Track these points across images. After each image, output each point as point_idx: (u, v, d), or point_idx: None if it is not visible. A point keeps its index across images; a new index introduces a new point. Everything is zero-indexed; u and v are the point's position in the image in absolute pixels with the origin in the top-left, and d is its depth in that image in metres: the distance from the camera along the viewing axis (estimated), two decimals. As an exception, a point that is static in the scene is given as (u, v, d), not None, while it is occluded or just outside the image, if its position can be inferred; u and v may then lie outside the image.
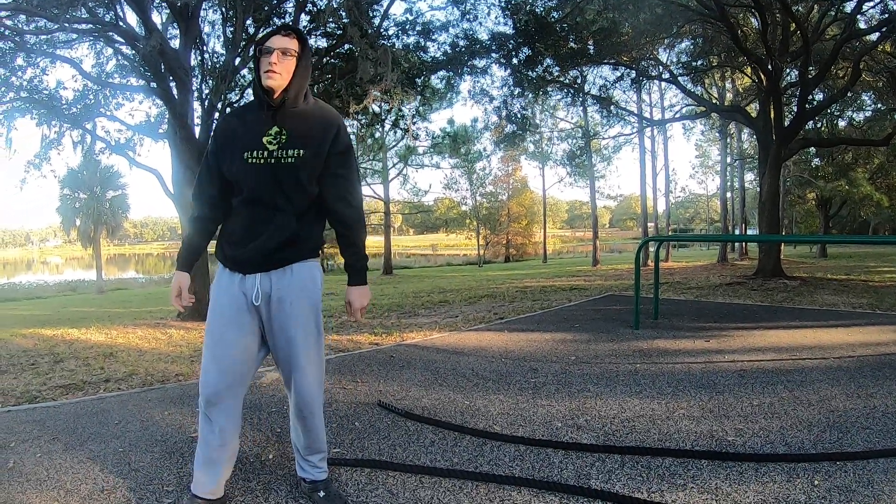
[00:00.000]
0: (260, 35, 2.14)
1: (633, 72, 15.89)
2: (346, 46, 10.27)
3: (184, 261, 2.43)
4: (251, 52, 11.01)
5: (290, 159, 2.17)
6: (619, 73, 16.52)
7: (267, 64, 2.13)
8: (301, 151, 2.18)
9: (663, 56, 17.38)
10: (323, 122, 2.26)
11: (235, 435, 2.39)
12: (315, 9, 10.26)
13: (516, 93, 15.11)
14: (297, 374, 2.33)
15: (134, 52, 8.71)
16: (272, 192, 2.19)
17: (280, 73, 2.14)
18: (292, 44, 2.18)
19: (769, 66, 12.51)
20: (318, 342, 2.39)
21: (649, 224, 30.55)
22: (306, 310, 2.32)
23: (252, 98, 2.32)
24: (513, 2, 12.60)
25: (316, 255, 2.39)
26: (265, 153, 2.17)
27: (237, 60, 9.47)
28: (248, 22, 9.85)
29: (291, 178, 2.19)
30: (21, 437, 3.28)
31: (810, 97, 14.16)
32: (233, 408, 2.34)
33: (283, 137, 2.18)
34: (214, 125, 2.16)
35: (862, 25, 13.05)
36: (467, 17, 12.44)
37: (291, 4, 10.15)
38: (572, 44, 14.20)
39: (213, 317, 2.31)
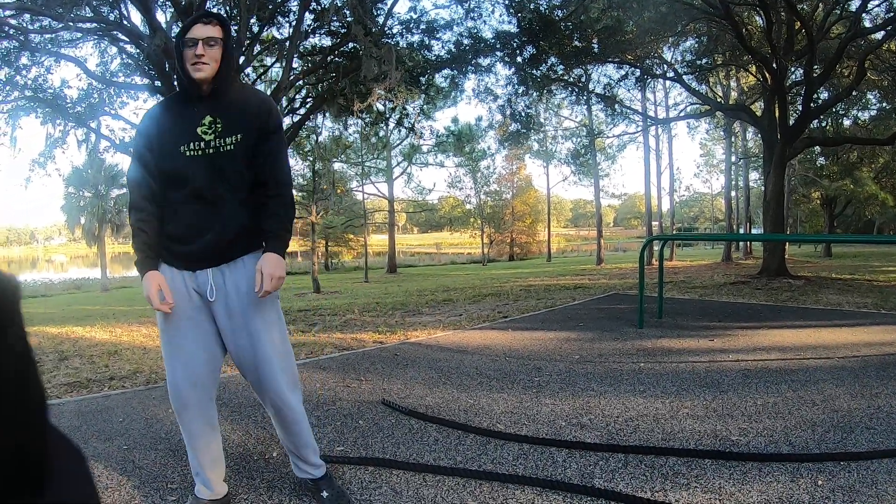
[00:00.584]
0: (184, 23, 1.93)
1: (638, 70, 15.87)
2: (351, 45, 10.28)
3: (150, 261, 2.21)
4: (255, 51, 11.06)
5: (229, 147, 2.14)
6: (623, 72, 16.52)
7: (193, 56, 2.08)
8: (239, 136, 2.15)
9: (668, 55, 17.34)
10: (255, 105, 2.23)
11: (215, 435, 2.35)
12: (319, 7, 10.28)
13: (520, 91, 15.10)
14: (264, 367, 2.25)
15: (138, 50, 8.74)
16: (215, 182, 2.15)
17: (208, 63, 2.09)
18: (215, 31, 2.12)
19: (774, 65, 12.48)
20: (281, 332, 2.34)
21: (653, 223, 30.49)
22: (266, 301, 2.25)
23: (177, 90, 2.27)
24: (517, 0, 12.59)
25: (262, 246, 2.27)
26: (202, 144, 2.12)
27: (241, 59, 9.49)
28: (253, 21, 9.87)
29: (232, 166, 2.16)
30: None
31: (815, 96, 14.10)
32: (206, 409, 2.30)
33: (219, 126, 2.14)
34: (140, 123, 2.21)
35: (867, 24, 13.00)
36: (471, 15, 12.43)
37: (295, 3, 10.16)
38: (576, 42, 14.17)
39: (167, 320, 2.23)
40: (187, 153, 2.12)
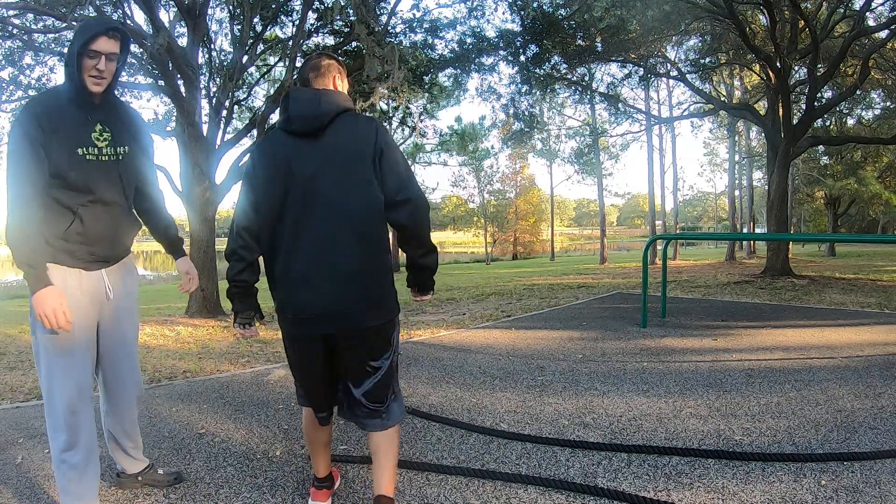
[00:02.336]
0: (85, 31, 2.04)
1: (641, 69, 15.83)
2: (354, 44, 10.27)
3: (44, 271, 2.06)
4: (258, 50, 11.07)
5: (119, 156, 2.23)
6: (626, 71, 16.49)
7: (94, 69, 2.09)
8: (126, 148, 2.26)
9: (671, 53, 17.31)
10: (133, 118, 2.37)
11: (95, 444, 2.27)
12: (322, 6, 10.28)
13: (524, 90, 15.07)
14: (129, 361, 2.43)
15: (142, 50, 8.73)
16: (112, 188, 2.22)
17: (106, 78, 2.14)
18: (116, 47, 2.13)
19: (778, 64, 12.43)
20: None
21: (657, 222, 30.46)
22: (136, 302, 2.49)
23: (63, 84, 2.17)
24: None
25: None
26: (96, 150, 2.16)
27: (245, 58, 9.50)
28: (256, 20, 9.88)
29: (125, 174, 2.27)
30: (29, 434, 3.30)
31: (819, 95, 14.06)
32: (91, 418, 2.24)
33: (108, 135, 2.20)
34: (26, 107, 2.05)
35: (871, 23, 12.97)
36: (474, 14, 12.41)
37: (299, 2, 10.15)
38: (580, 41, 14.15)
39: (58, 335, 2.12)
40: (87, 156, 2.14)
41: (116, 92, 2.37)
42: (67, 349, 2.15)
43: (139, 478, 2.55)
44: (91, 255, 2.20)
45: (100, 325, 2.30)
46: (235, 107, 11.01)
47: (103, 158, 2.17)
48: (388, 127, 20.45)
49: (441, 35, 12.09)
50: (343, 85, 2.24)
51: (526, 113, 15.90)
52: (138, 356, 2.49)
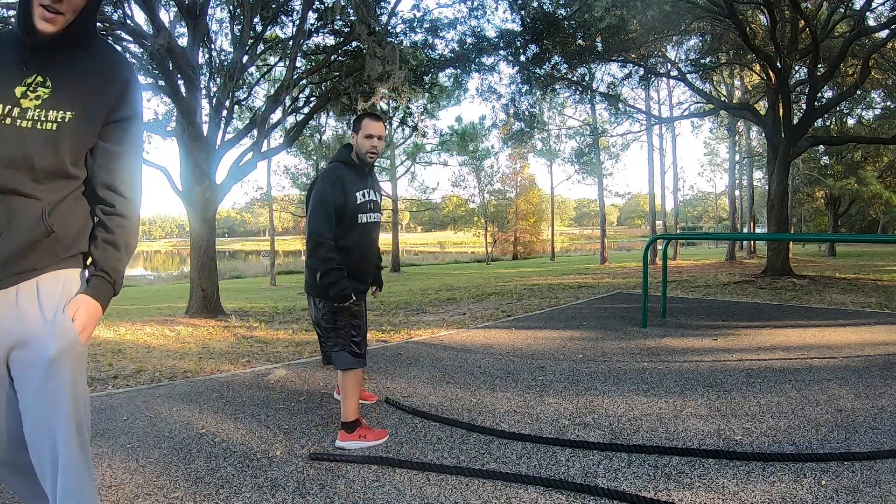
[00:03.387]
0: None
1: (642, 69, 15.82)
2: (354, 44, 10.27)
3: None
4: (258, 50, 11.08)
5: (50, 124, 1.48)
6: (627, 71, 16.47)
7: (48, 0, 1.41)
8: (68, 114, 1.50)
9: (672, 53, 17.30)
10: (105, 73, 1.58)
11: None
12: (323, 6, 10.27)
13: (524, 90, 15.09)
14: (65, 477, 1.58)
15: (142, 49, 8.74)
16: (16, 169, 1.46)
17: (64, 13, 1.43)
18: None
19: (778, 64, 12.43)
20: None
21: (657, 222, 30.44)
22: (69, 363, 1.63)
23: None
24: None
25: (80, 264, 1.67)
26: (16, 110, 1.44)
27: (245, 58, 9.50)
28: (256, 20, 9.87)
29: (48, 152, 1.49)
30: None
31: (819, 95, 14.07)
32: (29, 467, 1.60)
33: (45, 91, 1.48)
34: None
35: (871, 22, 12.97)
36: (475, 13, 12.41)
37: (299, 2, 10.15)
38: (580, 41, 14.15)
39: None
40: None
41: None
42: None
43: None
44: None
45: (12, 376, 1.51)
46: (236, 107, 11.00)
47: (23, 123, 1.44)
48: (388, 127, 20.50)
49: (441, 35, 12.10)
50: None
51: (526, 113, 15.92)
52: (87, 470, 1.61)
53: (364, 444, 3.04)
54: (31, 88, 1.44)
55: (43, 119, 1.46)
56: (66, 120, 1.49)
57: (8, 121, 1.41)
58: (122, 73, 1.60)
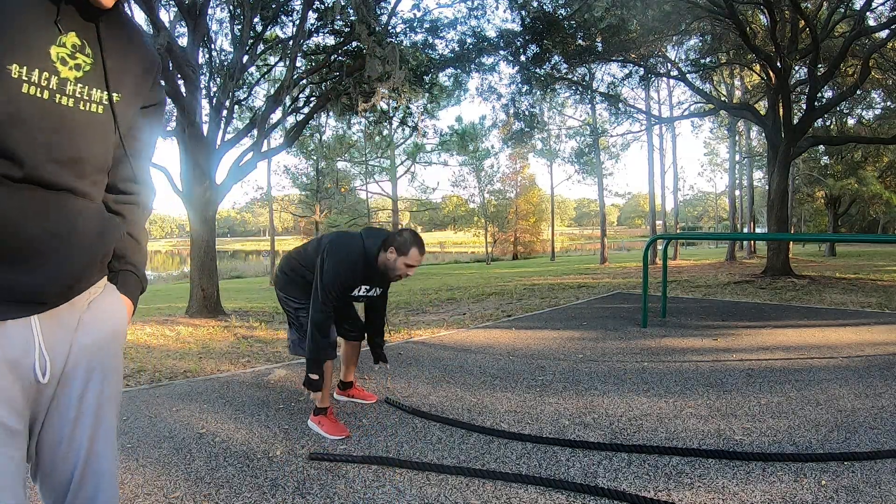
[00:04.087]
0: None
1: (642, 69, 15.83)
2: (354, 44, 10.27)
3: None
4: (258, 50, 11.07)
5: (94, 105, 1.13)
6: (627, 71, 16.48)
7: None
8: (115, 95, 1.16)
9: (672, 53, 17.31)
10: (141, 51, 1.26)
11: None
12: (323, 6, 10.27)
13: (524, 90, 15.08)
14: (95, 484, 1.30)
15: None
16: (61, 158, 1.08)
17: None
18: None
19: (778, 64, 12.44)
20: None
21: (657, 222, 30.44)
22: (113, 378, 1.38)
23: None
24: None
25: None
26: (53, 80, 1.05)
27: (245, 58, 9.50)
28: (256, 20, 9.87)
29: (95, 140, 1.15)
30: (31, 433, 3.29)
31: (819, 95, 14.07)
32: None
33: (87, 60, 1.11)
34: None
35: (871, 22, 12.97)
36: (474, 13, 12.41)
37: (299, 2, 10.15)
38: (580, 41, 14.15)
39: None
40: (25, 85, 1.01)
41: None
42: None
43: None
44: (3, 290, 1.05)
45: (33, 425, 1.15)
46: (236, 107, 11.00)
47: (63, 100, 1.07)
48: (388, 127, 20.47)
49: (441, 35, 12.09)
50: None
51: (526, 113, 15.91)
52: (117, 477, 1.32)
53: (319, 430, 3.24)
54: (68, 52, 1.07)
55: (86, 98, 1.11)
56: (116, 101, 1.16)
57: (45, 94, 1.03)
58: (155, 55, 1.33)
